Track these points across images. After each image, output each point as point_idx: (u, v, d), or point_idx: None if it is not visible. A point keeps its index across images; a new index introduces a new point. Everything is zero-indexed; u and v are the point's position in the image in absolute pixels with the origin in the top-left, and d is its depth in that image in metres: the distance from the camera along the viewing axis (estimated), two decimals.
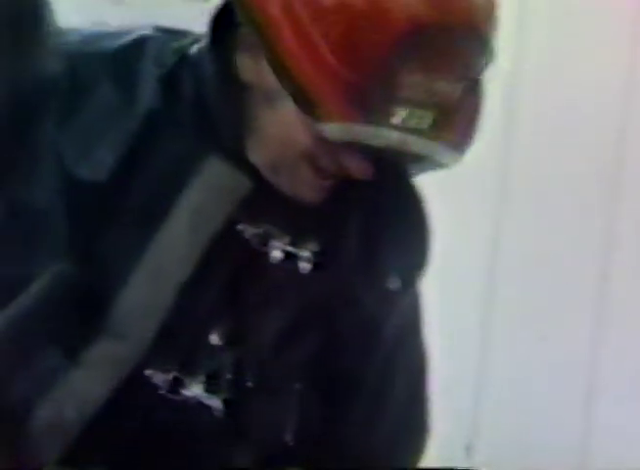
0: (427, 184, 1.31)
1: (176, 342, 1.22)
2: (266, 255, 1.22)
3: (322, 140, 1.11)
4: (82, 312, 1.19)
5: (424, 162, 1.13)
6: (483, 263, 2.79)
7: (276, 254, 1.22)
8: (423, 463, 1.42)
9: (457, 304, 2.65)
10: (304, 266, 1.23)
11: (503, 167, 2.69)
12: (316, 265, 1.23)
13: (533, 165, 2.72)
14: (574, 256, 2.69)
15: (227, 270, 1.21)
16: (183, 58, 1.21)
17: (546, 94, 2.67)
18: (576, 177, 2.67)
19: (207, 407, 1.23)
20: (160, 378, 1.21)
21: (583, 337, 2.67)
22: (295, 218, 1.22)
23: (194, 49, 1.21)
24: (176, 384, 1.22)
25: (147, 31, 1.24)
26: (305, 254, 1.22)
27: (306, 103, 1.08)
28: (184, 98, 1.19)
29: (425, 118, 1.09)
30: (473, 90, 1.13)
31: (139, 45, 1.22)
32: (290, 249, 1.22)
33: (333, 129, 1.08)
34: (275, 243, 1.22)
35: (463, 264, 2.61)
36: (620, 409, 2.59)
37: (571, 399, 2.68)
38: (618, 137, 2.63)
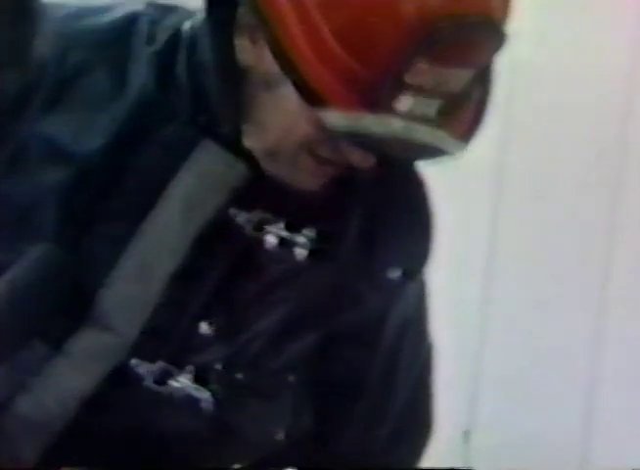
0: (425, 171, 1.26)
1: (166, 333, 1.17)
2: (261, 242, 1.16)
3: (323, 128, 1.05)
4: (68, 300, 1.15)
5: (428, 151, 1.07)
6: (482, 252, 2.77)
7: (270, 239, 1.17)
8: None
9: (456, 288, 2.62)
10: (300, 253, 1.18)
11: (502, 158, 2.65)
12: (312, 252, 1.18)
13: (531, 162, 2.69)
14: (576, 245, 2.66)
15: (220, 260, 1.16)
16: (176, 36, 1.15)
17: (545, 89, 2.64)
18: (577, 170, 2.64)
19: (196, 400, 1.19)
20: (145, 368, 1.17)
21: (585, 327, 2.65)
22: (291, 205, 1.17)
23: (186, 26, 1.15)
24: (163, 375, 1.17)
25: (137, 7, 1.18)
26: (301, 239, 1.17)
27: (308, 89, 1.02)
28: (178, 80, 1.14)
29: (431, 106, 1.03)
30: (481, 78, 1.08)
31: (130, 23, 1.16)
32: (284, 234, 1.17)
33: (335, 118, 1.02)
34: (269, 228, 1.16)
35: (462, 251, 2.59)
36: (622, 397, 2.57)
37: (571, 386, 2.66)
38: (620, 131, 2.59)
